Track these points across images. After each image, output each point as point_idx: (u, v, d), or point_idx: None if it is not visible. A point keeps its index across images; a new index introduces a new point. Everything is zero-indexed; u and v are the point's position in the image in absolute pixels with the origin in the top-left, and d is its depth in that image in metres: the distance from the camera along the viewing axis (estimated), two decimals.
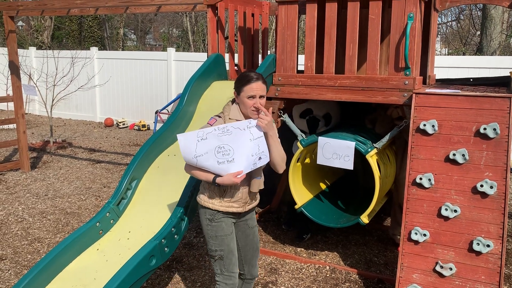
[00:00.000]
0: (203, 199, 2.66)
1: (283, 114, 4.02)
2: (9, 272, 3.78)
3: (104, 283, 2.60)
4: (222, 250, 2.62)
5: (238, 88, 2.59)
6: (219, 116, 2.63)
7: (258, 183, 2.65)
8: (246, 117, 2.60)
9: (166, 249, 2.87)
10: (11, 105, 12.45)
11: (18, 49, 6.90)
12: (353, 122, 4.58)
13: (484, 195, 3.03)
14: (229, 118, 2.61)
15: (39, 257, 4.04)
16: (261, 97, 2.55)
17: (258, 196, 2.79)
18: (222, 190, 2.59)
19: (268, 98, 4.06)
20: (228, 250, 2.63)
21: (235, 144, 2.49)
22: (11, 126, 10.09)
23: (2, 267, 3.85)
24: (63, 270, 2.85)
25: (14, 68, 6.53)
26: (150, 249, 2.74)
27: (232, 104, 2.66)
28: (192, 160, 2.49)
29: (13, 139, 6.88)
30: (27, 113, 12.10)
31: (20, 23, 23.31)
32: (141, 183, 3.41)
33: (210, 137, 2.47)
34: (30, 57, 12.10)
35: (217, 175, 2.51)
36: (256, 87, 2.54)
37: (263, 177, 2.69)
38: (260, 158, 2.54)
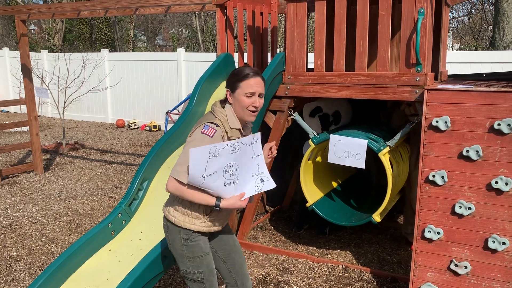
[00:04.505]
0: (178, 218, 2.24)
1: (294, 113, 4.00)
2: (24, 273, 3.82)
3: (117, 283, 2.61)
4: (201, 272, 2.27)
5: (232, 84, 2.21)
6: (217, 125, 2.17)
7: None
8: (241, 120, 2.26)
9: None
10: (24, 108, 12.63)
11: (30, 52, 6.97)
12: (366, 120, 4.55)
13: (499, 192, 2.98)
14: (231, 128, 2.22)
15: (53, 258, 4.08)
16: (260, 95, 2.22)
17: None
18: (209, 208, 2.23)
19: (278, 97, 4.05)
20: (209, 271, 2.29)
21: (240, 162, 2.14)
22: (24, 128, 10.20)
23: (17, 268, 3.90)
24: (76, 270, 2.87)
25: (27, 71, 6.60)
26: (162, 249, 2.74)
27: (223, 107, 2.25)
28: (199, 180, 2.07)
29: (26, 141, 6.96)
30: (39, 116, 12.24)
31: (32, 26, 23.58)
32: (152, 183, 3.42)
33: (221, 153, 2.08)
34: (42, 60, 12.23)
35: (219, 198, 2.14)
36: (256, 83, 2.19)
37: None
38: (262, 180, 2.22)
